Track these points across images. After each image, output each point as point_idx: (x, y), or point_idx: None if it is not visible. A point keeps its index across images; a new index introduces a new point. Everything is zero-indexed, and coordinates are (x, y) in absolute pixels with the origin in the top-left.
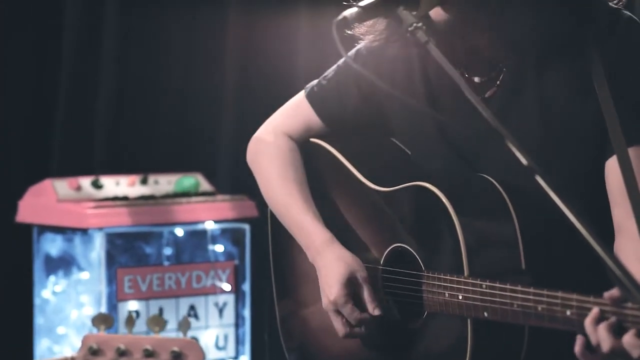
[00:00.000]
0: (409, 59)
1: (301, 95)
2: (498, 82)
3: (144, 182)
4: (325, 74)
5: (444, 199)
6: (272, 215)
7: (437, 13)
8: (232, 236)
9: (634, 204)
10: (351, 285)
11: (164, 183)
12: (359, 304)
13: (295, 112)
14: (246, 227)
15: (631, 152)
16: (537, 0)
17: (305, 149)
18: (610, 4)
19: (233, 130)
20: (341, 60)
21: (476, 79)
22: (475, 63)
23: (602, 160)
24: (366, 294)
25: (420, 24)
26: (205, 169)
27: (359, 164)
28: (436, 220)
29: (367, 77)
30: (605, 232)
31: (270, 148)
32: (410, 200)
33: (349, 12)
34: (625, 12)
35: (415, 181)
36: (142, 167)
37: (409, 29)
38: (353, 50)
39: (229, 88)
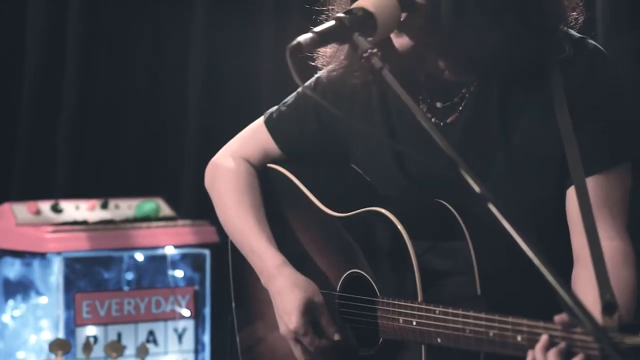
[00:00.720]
0: (368, 86)
1: (260, 121)
2: (460, 108)
3: (104, 206)
4: (286, 100)
5: (398, 225)
6: (232, 242)
7: (395, 38)
8: (193, 261)
9: (588, 235)
10: (309, 313)
11: (125, 207)
12: (317, 329)
13: (253, 138)
14: (207, 252)
15: (591, 181)
16: (492, 20)
17: (262, 175)
18: (572, 32)
19: (195, 154)
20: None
21: (438, 104)
22: (437, 88)
23: (564, 188)
24: (324, 320)
25: (375, 50)
26: (166, 193)
27: (316, 189)
28: (391, 246)
29: (325, 106)
30: (567, 259)
31: (227, 172)
32: (366, 225)
33: (303, 37)
34: (591, 41)
35: (371, 207)
36: (103, 192)
37: (364, 55)
38: (313, 78)
39: (192, 111)
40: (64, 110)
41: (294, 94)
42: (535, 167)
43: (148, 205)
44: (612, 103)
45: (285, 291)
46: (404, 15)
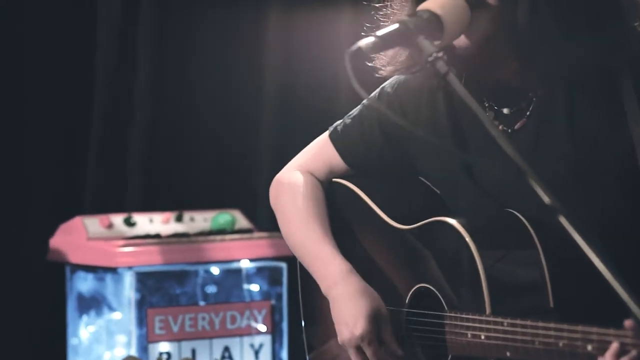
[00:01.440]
0: (434, 93)
1: (325, 135)
2: (528, 113)
3: (178, 219)
4: (351, 112)
5: (465, 235)
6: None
7: (462, 42)
8: (269, 275)
9: None
10: (375, 322)
11: (200, 220)
12: (379, 342)
13: (318, 153)
14: (283, 265)
15: None
16: (567, 29)
17: (328, 189)
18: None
19: (273, 164)
20: (366, 99)
21: (505, 110)
22: (503, 94)
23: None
24: (388, 334)
25: (440, 54)
26: (244, 205)
27: (383, 203)
28: (458, 257)
29: (391, 117)
30: None
31: (291, 185)
32: (432, 237)
33: (364, 42)
34: None
35: (438, 217)
36: (179, 204)
37: (429, 59)
38: (378, 89)
39: (268, 121)
40: (137, 121)
41: (359, 106)
42: (607, 173)
43: (223, 217)
44: None
45: (351, 297)
46: (472, 17)
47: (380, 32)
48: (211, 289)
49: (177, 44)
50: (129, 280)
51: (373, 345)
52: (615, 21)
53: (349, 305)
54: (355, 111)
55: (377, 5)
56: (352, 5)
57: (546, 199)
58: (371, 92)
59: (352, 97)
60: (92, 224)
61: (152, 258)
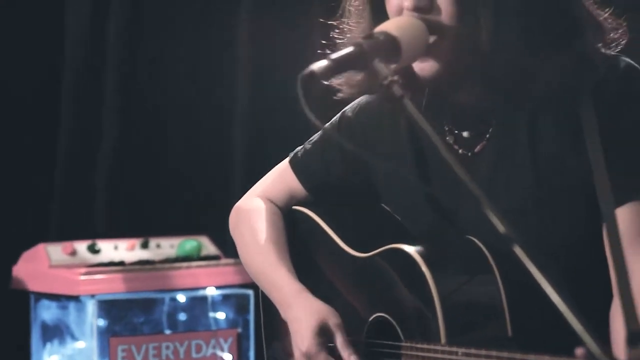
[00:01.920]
0: (395, 116)
1: (285, 162)
2: (487, 136)
3: (144, 246)
4: (312, 137)
5: (421, 263)
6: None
7: (421, 65)
8: (236, 302)
9: (615, 264)
10: (324, 334)
11: (167, 247)
12: (333, 353)
13: (278, 179)
14: (250, 292)
15: (627, 209)
16: (530, 49)
17: (288, 217)
18: (606, 50)
19: (243, 190)
20: (329, 123)
21: (465, 134)
22: (463, 117)
23: (601, 219)
24: (340, 341)
25: (395, 78)
26: (212, 231)
27: (343, 230)
28: (415, 286)
29: (350, 147)
30: (608, 292)
31: (250, 212)
32: (390, 265)
33: (317, 65)
34: (624, 58)
35: (395, 245)
36: (146, 230)
37: (384, 82)
38: (338, 115)
39: (238, 145)
40: (103, 146)
41: (320, 131)
42: (567, 198)
43: (190, 244)
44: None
45: (301, 317)
46: (432, 39)
47: (334, 55)
48: (177, 317)
49: (145, 69)
50: (91, 308)
51: (321, 357)
52: (577, 42)
53: (300, 325)
54: (315, 136)
55: (333, 22)
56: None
57: (501, 228)
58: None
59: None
60: (55, 251)
61: (115, 286)
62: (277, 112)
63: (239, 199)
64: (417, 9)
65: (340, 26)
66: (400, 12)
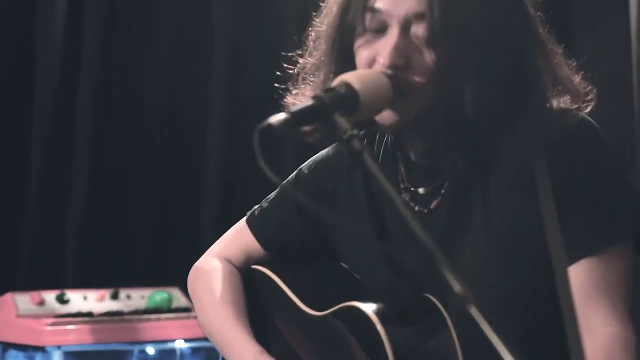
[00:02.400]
0: (352, 171)
1: (243, 221)
2: (442, 192)
3: (114, 297)
4: (268, 196)
5: (377, 322)
6: None
7: (382, 118)
8: (205, 355)
9: (567, 321)
10: None
11: (137, 298)
12: None
13: (235, 238)
14: None
15: (583, 264)
16: (487, 110)
17: (246, 276)
18: (568, 106)
19: (213, 242)
20: (285, 180)
21: (420, 190)
22: (418, 173)
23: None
24: None
25: (355, 132)
26: (184, 283)
27: (300, 289)
28: (369, 344)
29: (306, 204)
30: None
31: (207, 273)
32: (346, 323)
33: (275, 118)
34: (578, 113)
35: (350, 302)
36: (116, 281)
37: (343, 136)
38: (295, 172)
39: (210, 198)
40: (73, 196)
41: (277, 189)
42: (522, 255)
43: (160, 295)
44: (600, 179)
45: None
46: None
47: (293, 109)
48: None
49: (117, 118)
50: (57, 359)
51: None
52: (535, 99)
53: None
54: (272, 195)
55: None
56: None
57: (456, 286)
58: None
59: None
60: (23, 300)
61: (83, 337)
62: (247, 165)
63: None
64: (393, 67)
65: (302, 61)
66: (370, 65)
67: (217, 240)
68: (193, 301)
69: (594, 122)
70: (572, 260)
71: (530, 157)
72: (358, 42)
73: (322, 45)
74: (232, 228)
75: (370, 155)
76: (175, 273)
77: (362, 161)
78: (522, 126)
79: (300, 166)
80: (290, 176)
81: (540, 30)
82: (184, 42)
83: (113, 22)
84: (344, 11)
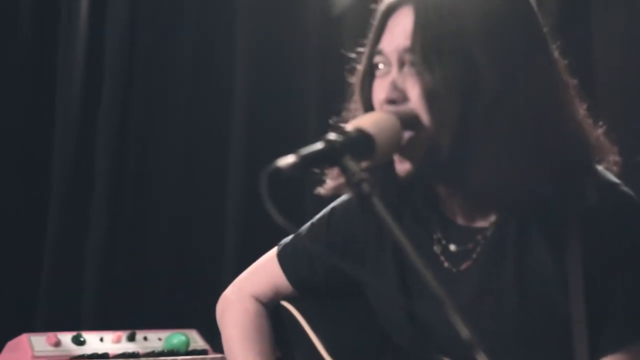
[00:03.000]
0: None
1: (273, 253)
2: (474, 255)
3: (131, 338)
4: (300, 230)
5: None
6: None
7: (398, 164)
8: None
9: None
10: None
11: (154, 340)
12: None
13: (264, 272)
14: None
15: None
16: (514, 158)
17: (275, 311)
18: (603, 173)
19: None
20: (317, 216)
21: (452, 247)
22: (451, 229)
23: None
24: None
25: (364, 175)
26: (203, 324)
27: (325, 334)
28: None
29: (336, 249)
30: None
31: (236, 312)
32: None
33: (284, 162)
34: (623, 189)
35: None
36: (134, 323)
37: (353, 180)
38: (328, 209)
39: (229, 240)
40: (91, 238)
41: (308, 224)
42: (550, 327)
43: (177, 337)
44: (636, 258)
45: None
46: (406, 134)
47: (302, 151)
48: None
49: (135, 163)
50: None
51: None
52: (560, 160)
53: None
54: (304, 230)
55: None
56: None
57: (479, 353)
58: None
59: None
60: (39, 341)
61: None
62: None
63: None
64: (390, 100)
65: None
66: (381, 105)
67: (247, 270)
68: (221, 329)
69: (635, 196)
70: (601, 352)
71: (565, 225)
72: (373, 87)
73: (355, 92)
74: (262, 258)
75: (382, 199)
76: (193, 316)
77: (371, 205)
78: (560, 188)
79: (334, 205)
80: (323, 213)
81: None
82: (202, 87)
83: (132, 64)
84: (367, 60)
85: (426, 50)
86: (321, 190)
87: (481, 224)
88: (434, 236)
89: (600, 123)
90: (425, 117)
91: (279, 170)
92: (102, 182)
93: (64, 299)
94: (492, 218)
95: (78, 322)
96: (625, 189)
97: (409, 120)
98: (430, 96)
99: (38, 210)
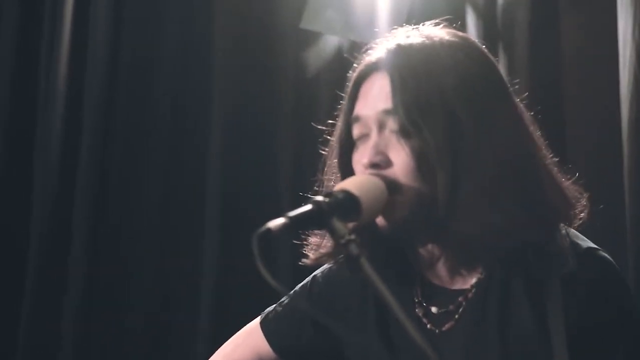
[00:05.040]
0: (364, 282)
1: (256, 322)
2: (457, 317)
3: None
4: (282, 299)
5: None
6: None
7: (382, 223)
8: None
9: None
10: None
11: None
12: None
13: (246, 341)
14: None
15: None
16: (499, 206)
17: None
18: (582, 241)
19: (209, 337)
20: (299, 285)
21: (434, 309)
22: (432, 292)
23: None
24: None
25: (352, 237)
26: None
27: None
28: None
29: (315, 315)
30: None
31: None
32: None
33: (273, 223)
34: (601, 253)
35: None
36: None
37: (341, 241)
38: (309, 278)
39: (205, 289)
40: (69, 291)
41: (291, 292)
42: None
43: None
44: (618, 326)
45: None
46: (390, 198)
47: (292, 213)
48: None
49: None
50: None
51: None
52: (542, 206)
53: None
54: (286, 299)
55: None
56: None
57: None
58: None
59: None
60: None
61: None
62: (244, 261)
63: (205, 343)
64: (372, 165)
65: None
66: (364, 170)
67: (231, 340)
68: None
69: (614, 263)
70: None
71: (545, 289)
72: (354, 153)
73: (333, 156)
74: (245, 328)
75: (369, 260)
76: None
77: (359, 266)
78: (534, 228)
79: (315, 273)
80: (305, 282)
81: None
82: (178, 148)
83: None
84: (344, 127)
85: (409, 111)
86: (306, 261)
87: (462, 285)
88: (415, 299)
89: (568, 176)
90: (411, 181)
91: (270, 231)
92: (81, 232)
93: (43, 345)
94: (473, 280)
95: None
96: (603, 253)
97: (393, 184)
98: (420, 158)
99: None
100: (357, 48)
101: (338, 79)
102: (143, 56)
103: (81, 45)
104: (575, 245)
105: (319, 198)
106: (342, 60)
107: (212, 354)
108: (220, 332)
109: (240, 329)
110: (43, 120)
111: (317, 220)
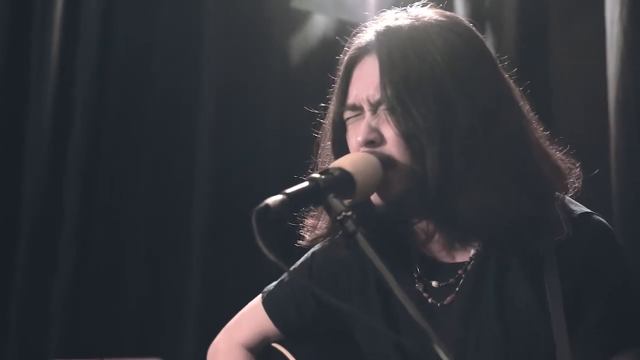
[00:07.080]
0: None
1: (258, 301)
2: (457, 289)
3: None
4: (283, 276)
5: None
6: None
7: (376, 200)
8: None
9: None
10: None
11: None
12: None
13: (251, 320)
14: None
15: None
16: (493, 185)
17: (265, 355)
18: (576, 206)
19: (198, 315)
20: (298, 262)
21: (434, 284)
22: (432, 266)
23: None
24: None
25: (349, 213)
26: (168, 355)
27: None
28: None
29: (318, 292)
30: None
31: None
32: None
33: (272, 199)
34: (595, 217)
35: None
36: (101, 353)
37: (338, 217)
38: (309, 253)
39: (194, 272)
40: (59, 269)
41: (291, 269)
42: (534, 353)
43: None
44: (615, 285)
45: None
46: (384, 175)
47: (289, 190)
48: None
49: (102, 198)
50: None
51: None
52: (539, 182)
53: None
54: (286, 276)
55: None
56: None
57: None
58: None
59: None
60: None
61: None
62: (232, 239)
63: (193, 323)
64: (367, 142)
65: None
66: (358, 149)
67: (235, 318)
68: None
69: (609, 225)
70: None
71: (541, 259)
72: (347, 134)
73: (326, 139)
74: (247, 306)
75: (366, 236)
76: (158, 345)
77: (356, 242)
78: (527, 206)
79: (313, 250)
80: (304, 259)
81: (514, 93)
82: (166, 158)
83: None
84: (337, 110)
85: (398, 91)
86: (302, 242)
87: (460, 259)
88: (415, 274)
89: (560, 147)
90: (404, 158)
91: (268, 207)
92: (71, 216)
93: (31, 330)
94: (471, 252)
95: (45, 352)
96: (598, 217)
97: (387, 161)
98: (410, 136)
99: (6, 240)
100: (346, 31)
101: (328, 63)
102: (134, 41)
103: (72, 35)
104: (570, 212)
105: (316, 175)
106: (332, 43)
107: (202, 335)
108: (210, 313)
109: (228, 313)
110: (35, 104)
111: (313, 196)
